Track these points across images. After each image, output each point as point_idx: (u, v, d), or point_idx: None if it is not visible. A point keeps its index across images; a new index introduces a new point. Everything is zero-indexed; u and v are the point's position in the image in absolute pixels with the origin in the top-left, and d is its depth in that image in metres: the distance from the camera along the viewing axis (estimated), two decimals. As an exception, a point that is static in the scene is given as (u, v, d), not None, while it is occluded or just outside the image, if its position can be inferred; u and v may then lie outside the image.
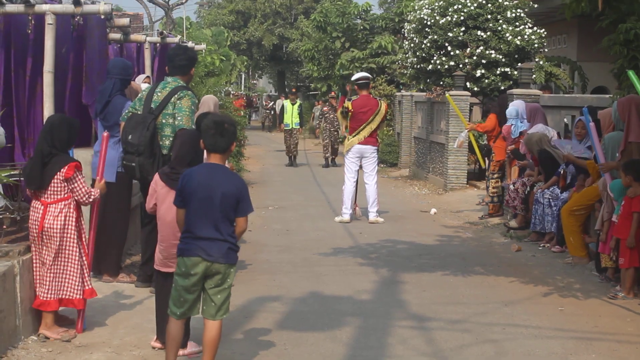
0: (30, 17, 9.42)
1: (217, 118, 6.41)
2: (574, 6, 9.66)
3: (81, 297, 7.43)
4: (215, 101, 10.91)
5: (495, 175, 15.11)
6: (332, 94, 28.56)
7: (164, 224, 6.97)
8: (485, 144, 15.72)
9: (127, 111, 8.86)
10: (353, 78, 15.46)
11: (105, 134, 8.07)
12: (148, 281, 9.03)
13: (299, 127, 26.88)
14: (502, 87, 19.22)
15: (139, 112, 8.68)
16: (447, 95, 18.15)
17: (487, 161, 15.89)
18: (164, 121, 8.58)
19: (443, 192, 19.11)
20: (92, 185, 8.95)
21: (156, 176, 7.07)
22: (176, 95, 8.56)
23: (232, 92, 43.34)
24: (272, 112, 48.63)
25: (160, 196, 6.95)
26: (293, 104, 26.77)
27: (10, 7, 9.28)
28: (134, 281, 9.36)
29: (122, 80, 9.51)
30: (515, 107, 14.26)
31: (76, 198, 7.36)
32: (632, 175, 9.21)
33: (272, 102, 26.57)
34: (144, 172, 8.54)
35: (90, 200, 7.50)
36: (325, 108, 27.36)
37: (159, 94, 8.66)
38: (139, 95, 8.96)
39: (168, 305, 6.57)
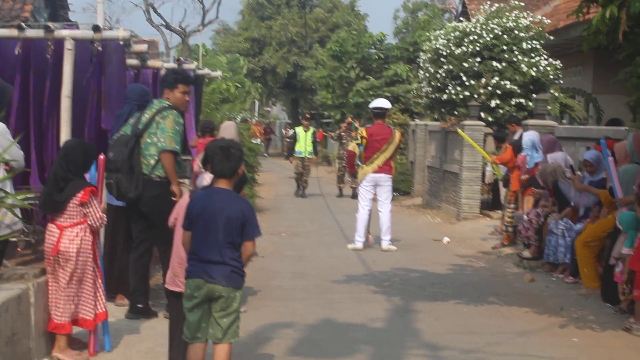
0: (49, 42, 9.49)
1: (222, 143, 6.46)
2: (591, 39, 9.67)
3: (93, 318, 7.46)
4: (235, 127, 10.94)
5: (512, 205, 15.08)
6: (349, 119, 27.12)
7: (179, 241, 6.97)
8: (506, 173, 15.72)
9: (117, 134, 8.89)
10: (372, 105, 15.39)
11: (102, 156, 8.06)
12: (138, 312, 8.93)
13: (312, 155, 25.18)
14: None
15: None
16: (458, 130, 18.18)
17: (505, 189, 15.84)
18: (148, 140, 8.62)
19: (456, 221, 19.08)
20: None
21: (186, 195, 7.09)
22: (160, 115, 8.63)
23: (249, 119, 43.40)
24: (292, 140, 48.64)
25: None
26: (306, 131, 25.09)
27: (30, 32, 9.35)
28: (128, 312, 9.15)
29: (140, 106, 9.55)
30: (530, 137, 14.27)
31: (89, 223, 7.38)
32: None
33: (292, 131, 26.23)
34: (121, 189, 8.54)
35: (103, 225, 7.57)
36: (343, 133, 26.11)
37: (147, 115, 8.75)
38: (130, 121, 8.97)
39: (177, 328, 6.70)
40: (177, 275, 6.93)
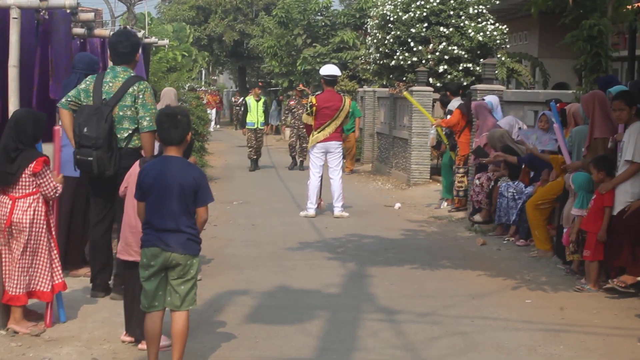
0: (-6, 11, 9.30)
1: (169, 111, 6.46)
2: (540, 2, 9.73)
3: (50, 290, 7.40)
4: (175, 92, 10.83)
5: (461, 170, 15.18)
6: (300, 86, 26.06)
7: (132, 209, 6.88)
8: (451, 139, 15.77)
9: (67, 100, 8.47)
10: (322, 72, 15.32)
11: (57, 127, 7.89)
12: (106, 290, 8.64)
13: (264, 126, 23.98)
14: (465, 83, 19.32)
15: (86, 103, 8.36)
16: (404, 93, 18.19)
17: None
18: (121, 113, 8.25)
19: (406, 187, 19.16)
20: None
21: (136, 164, 6.99)
22: (135, 87, 8.25)
23: (201, 89, 43.01)
24: (242, 109, 48.07)
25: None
26: (257, 101, 23.41)
27: (-26, 1, 9.16)
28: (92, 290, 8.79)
29: (87, 75, 9.42)
30: (489, 101, 14.32)
31: (43, 193, 7.31)
32: (605, 171, 9.31)
33: (242, 98, 25.14)
34: (101, 167, 8.18)
35: (57, 195, 7.49)
36: (292, 102, 24.66)
37: (111, 84, 8.33)
38: (82, 86, 8.56)
39: (135, 297, 6.75)
40: (129, 244, 6.90)
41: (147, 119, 8.18)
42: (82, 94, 8.47)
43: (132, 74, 8.44)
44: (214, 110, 45.48)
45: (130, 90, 8.29)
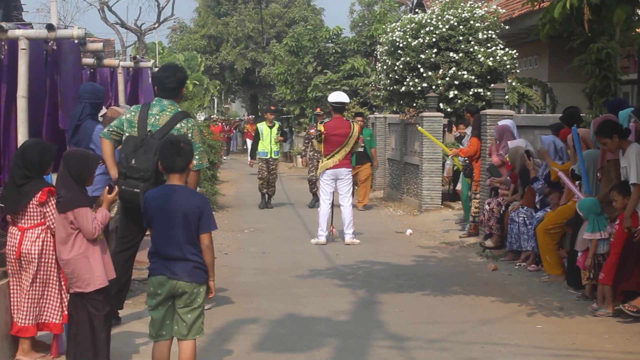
0: (3, 43, 9.37)
1: (172, 139, 6.49)
2: (548, 27, 9.72)
3: (60, 321, 7.38)
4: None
5: (478, 195, 15.09)
6: (318, 109, 24.88)
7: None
8: (468, 165, 15.66)
9: (109, 130, 8.46)
10: (330, 99, 15.34)
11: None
12: (116, 318, 8.53)
13: (278, 156, 21.33)
14: (475, 108, 19.27)
15: (130, 134, 8.30)
16: (419, 128, 18.18)
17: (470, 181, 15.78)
18: None
19: (418, 213, 19.12)
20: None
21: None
22: (183, 124, 8.16)
23: (245, 118, 42.51)
24: (254, 136, 47.11)
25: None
26: (271, 127, 20.73)
27: (-18, 33, 9.22)
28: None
29: (92, 104, 9.41)
30: (513, 123, 14.31)
31: (48, 223, 7.29)
32: (630, 195, 9.27)
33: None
34: None
35: None
36: (312, 130, 20.19)
37: (157, 117, 8.27)
38: (126, 116, 8.49)
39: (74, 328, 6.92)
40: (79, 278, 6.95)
41: (196, 157, 7.92)
42: (125, 123, 8.37)
43: (179, 110, 8.34)
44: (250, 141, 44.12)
45: (178, 126, 8.16)
